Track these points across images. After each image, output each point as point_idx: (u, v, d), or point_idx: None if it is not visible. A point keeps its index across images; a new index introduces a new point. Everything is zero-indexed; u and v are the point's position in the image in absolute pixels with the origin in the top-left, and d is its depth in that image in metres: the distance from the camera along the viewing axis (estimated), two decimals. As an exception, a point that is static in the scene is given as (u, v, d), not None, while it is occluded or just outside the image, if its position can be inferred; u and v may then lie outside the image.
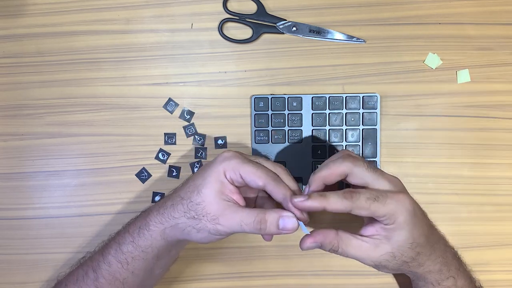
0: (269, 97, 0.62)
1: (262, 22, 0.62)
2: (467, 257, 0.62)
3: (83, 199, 0.63)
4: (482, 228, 0.63)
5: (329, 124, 0.62)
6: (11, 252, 0.64)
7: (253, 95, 0.62)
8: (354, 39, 0.62)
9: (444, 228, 0.61)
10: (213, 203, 0.50)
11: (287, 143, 0.62)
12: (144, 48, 0.63)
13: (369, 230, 0.50)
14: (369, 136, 0.62)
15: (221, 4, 0.63)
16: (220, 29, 0.62)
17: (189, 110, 0.63)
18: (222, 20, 0.62)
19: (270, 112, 0.62)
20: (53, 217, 0.63)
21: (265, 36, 0.63)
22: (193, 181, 0.52)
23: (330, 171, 0.50)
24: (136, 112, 0.63)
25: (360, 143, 0.62)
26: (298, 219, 0.49)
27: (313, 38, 0.62)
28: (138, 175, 0.63)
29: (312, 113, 0.62)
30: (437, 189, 0.63)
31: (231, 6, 0.63)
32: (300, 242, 0.50)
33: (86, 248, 0.63)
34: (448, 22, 0.63)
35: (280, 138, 0.62)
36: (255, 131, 0.62)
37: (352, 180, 0.50)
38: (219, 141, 0.63)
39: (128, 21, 0.63)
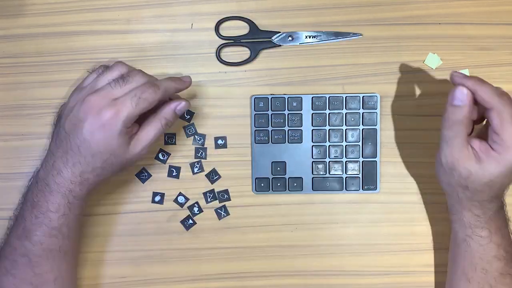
0: (269, 97, 0.62)
1: (258, 40, 0.62)
2: (467, 257, 0.62)
3: (83, 199, 0.63)
4: (482, 228, 0.63)
5: (329, 124, 0.62)
6: (11, 252, 0.63)
7: (253, 95, 0.62)
8: (351, 34, 0.62)
9: (444, 228, 0.61)
10: (130, 151, 0.54)
11: (287, 143, 0.62)
12: (144, 48, 0.63)
13: (474, 141, 0.52)
14: (369, 136, 0.62)
15: (221, 4, 0.63)
16: (218, 55, 0.62)
17: (189, 110, 0.63)
18: (219, 47, 0.62)
19: (270, 112, 0.62)
20: (53, 217, 0.63)
21: (264, 52, 0.63)
22: (100, 153, 0.52)
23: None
24: (136, 112, 0.63)
25: (360, 143, 0.62)
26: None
27: (311, 43, 0.62)
28: (138, 175, 0.63)
29: (312, 113, 0.62)
30: (437, 189, 0.63)
31: (223, 31, 0.63)
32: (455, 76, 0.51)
33: (85, 248, 0.63)
34: (448, 22, 0.62)
35: (280, 138, 0.62)
36: (255, 131, 0.62)
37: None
38: (219, 141, 0.63)
39: (128, 21, 0.63)
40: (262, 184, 0.63)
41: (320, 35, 0.62)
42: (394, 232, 0.63)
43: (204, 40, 0.63)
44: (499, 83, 0.62)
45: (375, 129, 0.62)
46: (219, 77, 0.63)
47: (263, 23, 0.63)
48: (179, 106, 0.55)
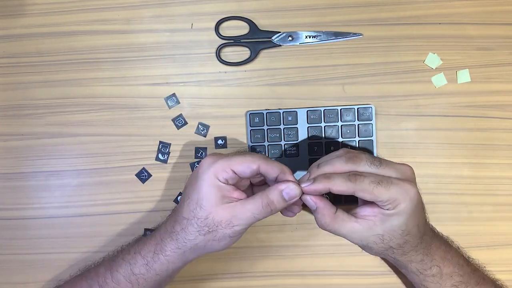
0: (264, 112, 0.62)
1: (258, 40, 0.62)
2: (467, 257, 0.62)
3: (83, 199, 0.63)
4: (482, 228, 0.63)
5: (325, 137, 0.62)
6: (11, 252, 0.64)
7: (248, 111, 0.62)
8: (351, 34, 0.62)
9: (444, 228, 0.61)
10: (219, 211, 0.49)
11: (284, 157, 0.62)
12: (144, 48, 0.63)
13: (365, 210, 0.50)
14: (365, 148, 0.62)
15: (221, 4, 0.63)
16: (218, 55, 0.62)
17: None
18: (219, 46, 0.62)
19: (265, 127, 0.62)
20: (53, 217, 0.63)
21: (264, 52, 0.63)
22: (189, 198, 0.51)
23: (333, 168, 0.50)
24: (136, 112, 0.63)
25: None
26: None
27: (311, 43, 0.62)
28: (138, 175, 0.63)
29: (308, 127, 0.62)
30: (437, 189, 0.63)
31: (223, 31, 0.63)
32: (303, 194, 0.50)
33: (86, 249, 0.63)
34: (448, 22, 0.62)
35: (277, 152, 0.62)
36: (251, 146, 0.62)
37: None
38: (219, 141, 0.63)
39: (128, 21, 0.63)
40: None
41: (320, 35, 0.62)
42: (394, 232, 0.63)
43: (204, 40, 0.63)
44: (499, 83, 0.62)
45: (371, 141, 0.62)
46: (219, 77, 0.63)
47: (263, 23, 0.63)
48: (287, 189, 0.49)
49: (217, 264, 0.63)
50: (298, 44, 0.62)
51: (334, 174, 0.49)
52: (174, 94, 0.63)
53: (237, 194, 0.51)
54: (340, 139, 0.62)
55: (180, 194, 0.63)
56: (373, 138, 0.62)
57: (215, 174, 0.49)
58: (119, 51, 0.63)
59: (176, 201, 0.63)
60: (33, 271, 0.63)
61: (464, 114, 0.63)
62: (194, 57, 0.63)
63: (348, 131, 0.62)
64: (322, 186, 0.49)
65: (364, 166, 0.49)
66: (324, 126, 0.62)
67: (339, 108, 0.62)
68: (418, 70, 0.63)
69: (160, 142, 0.63)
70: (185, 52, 0.63)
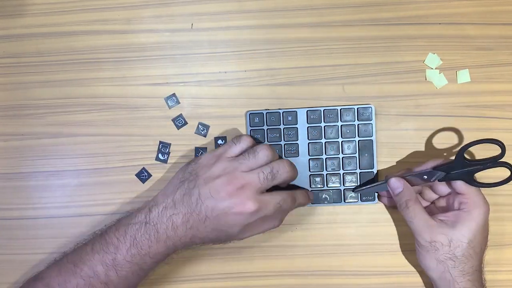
0: (264, 112, 0.62)
1: None
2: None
3: (83, 199, 0.63)
4: (482, 228, 0.63)
5: (325, 137, 0.62)
6: (11, 252, 0.64)
7: (248, 111, 0.62)
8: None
9: (444, 228, 0.60)
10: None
11: (284, 157, 0.62)
12: (144, 48, 0.63)
13: (439, 216, 0.56)
14: (365, 148, 0.62)
15: (222, 4, 0.63)
16: None
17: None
18: None
19: (265, 127, 0.62)
20: (53, 217, 0.63)
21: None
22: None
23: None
24: (136, 112, 0.63)
25: (357, 155, 0.62)
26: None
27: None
28: (138, 175, 0.63)
29: (308, 127, 0.62)
30: (437, 189, 0.63)
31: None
32: (389, 178, 0.58)
33: (86, 248, 0.63)
34: (448, 22, 0.63)
35: (277, 152, 0.62)
36: None
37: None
38: (219, 141, 0.63)
39: (128, 21, 0.63)
40: None
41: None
42: (394, 232, 0.63)
43: (204, 40, 0.63)
44: (499, 83, 0.62)
45: (371, 141, 0.62)
46: (219, 77, 0.63)
47: (264, 23, 0.63)
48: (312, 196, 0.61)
49: (217, 264, 0.63)
50: None
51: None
52: (174, 94, 0.63)
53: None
54: (340, 139, 0.62)
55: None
56: (373, 138, 0.62)
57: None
58: (119, 51, 0.63)
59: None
60: (33, 271, 0.63)
61: (464, 114, 0.63)
62: (194, 57, 0.63)
63: (348, 131, 0.62)
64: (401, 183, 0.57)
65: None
66: (324, 126, 0.62)
67: (339, 108, 0.62)
68: (418, 70, 0.63)
69: (160, 142, 0.63)
70: (185, 52, 0.63)
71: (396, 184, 0.57)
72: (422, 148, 0.63)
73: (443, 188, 0.58)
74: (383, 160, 0.63)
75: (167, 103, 0.63)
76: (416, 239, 0.56)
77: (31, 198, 0.63)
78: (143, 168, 0.63)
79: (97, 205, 0.63)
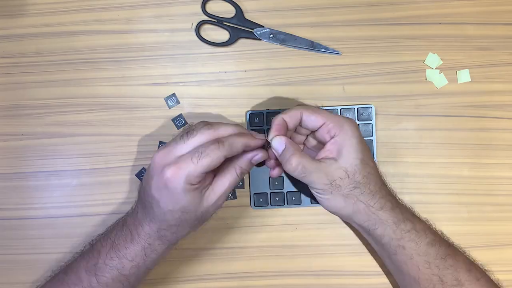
0: (264, 112, 0.62)
1: (240, 27, 0.62)
2: (467, 257, 0.62)
3: (83, 199, 0.63)
4: (482, 228, 0.63)
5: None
6: (11, 252, 0.64)
7: (248, 111, 0.62)
8: (331, 50, 0.62)
9: (444, 228, 0.61)
10: (204, 202, 0.51)
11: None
12: (144, 48, 0.63)
13: (321, 153, 0.53)
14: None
15: (222, 4, 0.63)
16: (198, 30, 0.62)
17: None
18: (199, 22, 0.62)
19: (265, 127, 0.62)
20: (53, 217, 0.63)
21: (242, 41, 0.63)
22: (170, 209, 0.50)
23: (286, 116, 0.53)
24: (136, 112, 0.63)
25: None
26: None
27: (287, 47, 0.62)
28: (138, 175, 0.63)
29: None
30: (437, 189, 0.63)
31: (210, 8, 0.63)
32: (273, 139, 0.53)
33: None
34: (448, 22, 0.62)
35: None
36: None
37: (304, 123, 0.54)
38: (219, 141, 0.63)
39: (128, 21, 0.63)
40: (261, 200, 0.62)
41: (299, 42, 0.62)
42: (394, 232, 0.63)
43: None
44: (499, 83, 0.62)
45: (371, 140, 0.62)
46: (219, 77, 0.63)
47: (265, 22, 0.63)
48: (256, 156, 0.53)
49: (217, 264, 0.64)
50: (277, 44, 0.62)
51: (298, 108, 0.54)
52: (174, 94, 0.63)
53: (209, 179, 0.52)
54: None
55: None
56: (373, 138, 0.62)
57: (189, 183, 0.49)
58: (119, 51, 0.63)
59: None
60: (33, 271, 0.63)
61: (464, 114, 0.63)
62: (194, 57, 0.63)
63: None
64: (278, 120, 0.53)
65: (309, 110, 0.53)
66: None
67: (339, 108, 0.62)
68: (418, 70, 0.63)
69: (160, 142, 0.63)
70: (185, 52, 0.63)
71: (278, 142, 0.52)
72: (422, 148, 0.63)
73: (309, 124, 0.54)
74: (383, 160, 0.63)
75: (167, 103, 0.63)
76: (315, 188, 0.53)
77: (31, 198, 0.63)
78: (143, 168, 0.63)
79: (97, 205, 0.63)
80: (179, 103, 0.63)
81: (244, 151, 0.52)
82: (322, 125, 0.53)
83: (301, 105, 0.59)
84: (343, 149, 0.51)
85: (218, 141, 0.50)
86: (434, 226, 0.57)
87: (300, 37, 0.62)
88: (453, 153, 0.63)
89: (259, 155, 0.53)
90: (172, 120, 0.63)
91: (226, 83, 0.63)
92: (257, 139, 0.52)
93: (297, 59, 0.63)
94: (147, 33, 0.63)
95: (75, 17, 0.63)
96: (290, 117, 0.53)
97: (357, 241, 0.63)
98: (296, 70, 0.63)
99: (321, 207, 0.63)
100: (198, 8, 0.63)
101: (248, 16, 0.63)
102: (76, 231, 0.63)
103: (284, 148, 0.52)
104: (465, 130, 0.63)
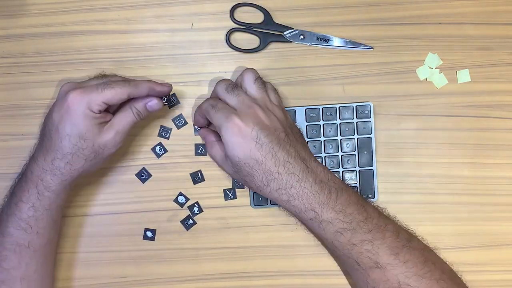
0: None
1: (269, 31, 0.62)
2: (467, 257, 0.62)
3: (83, 199, 0.63)
4: (482, 228, 0.63)
5: (323, 135, 0.62)
6: (11, 252, 0.63)
7: None
8: (362, 45, 0.62)
9: (444, 228, 0.61)
10: (103, 136, 0.54)
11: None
12: (144, 48, 0.63)
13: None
14: (364, 145, 0.62)
15: (222, 4, 0.63)
16: (228, 39, 0.62)
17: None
18: (229, 30, 0.62)
19: None
20: (53, 217, 0.63)
21: (273, 45, 0.63)
22: (67, 133, 0.53)
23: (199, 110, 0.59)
24: (136, 112, 0.63)
25: (356, 153, 0.62)
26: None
27: (321, 46, 0.62)
28: (138, 175, 0.63)
29: (307, 125, 0.62)
30: (437, 189, 0.63)
31: (238, 16, 0.63)
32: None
33: (86, 249, 0.63)
34: (448, 22, 0.62)
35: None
36: None
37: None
38: (219, 141, 0.63)
39: (128, 21, 0.63)
40: (260, 198, 0.62)
41: (332, 40, 0.62)
42: (394, 232, 0.63)
43: (204, 40, 0.63)
44: (499, 83, 0.62)
45: (370, 138, 0.62)
46: (219, 77, 0.63)
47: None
48: (150, 102, 0.57)
49: (217, 264, 0.64)
50: (308, 44, 0.62)
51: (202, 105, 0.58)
52: (174, 94, 0.63)
53: (109, 117, 0.55)
54: (339, 137, 0.62)
55: (180, 194, 0.63)
56: (372, 135, 0.62)
57: (89, 108, 0.53)
58: (119, 51, 0.63)
59: (176, 201, 0.63)
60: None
61: (464, 114, 0.63)
62: (194, 57, 0.63)
63: (347, 129, 0.62)
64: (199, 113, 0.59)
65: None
66: (323, 124, 0.62)
67: (337, 106, 0.62)
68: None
69: (161, 126, 0.63)
70: (185, 52, 0.63)
71: (199, 133, 0.61)
72: (422, 148, 0.63)
73: None
74: (383, 160, 0.63)
75: (168, 104, 0.63)
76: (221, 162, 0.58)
77: (31, 198, 0.63)
78: (143, 168, 0.63)
79: (97, 205, 0.63)
80: (179, 103, 0.63)
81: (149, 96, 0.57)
82: None
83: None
84: (225, 150, 0.54)
85: (125, 79, 0.57)
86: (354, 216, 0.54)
87: (331, 36, 0.63)
88: (453, 153, 0.63)
89: (153, 101, 0.57)
90: (172, 120, 0.63)
91: (226, 83, 0.63)
92: (162, 85, 0.58)
93: (297, 59, 0.63)
94: (147, 33, 0.63)
95: (75, 17, 0.63)
96: (198, 115, 0.59)
97: (357, 241, 0.63)
98: (296, 70, 0.63)
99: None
100: (198, 8, 0.63)
101: (277, 20, 0.63)
102: (76, 231, 0.63)
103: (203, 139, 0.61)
104: (465, 130, 0.63)
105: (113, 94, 0.53)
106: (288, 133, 0.55)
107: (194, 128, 0.63)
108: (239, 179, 0.56)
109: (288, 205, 0.54)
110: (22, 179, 0.55)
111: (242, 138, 0.52)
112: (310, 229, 0.57)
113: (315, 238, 0.63)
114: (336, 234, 0.53)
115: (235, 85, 0.56)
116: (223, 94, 0.56)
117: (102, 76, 0.58)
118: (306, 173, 0.53)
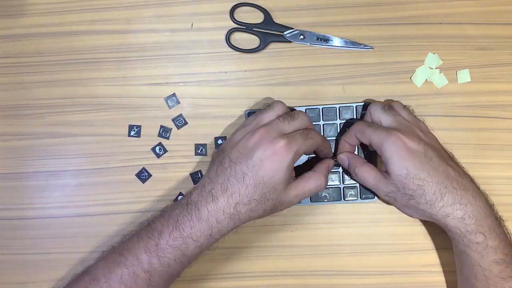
0: None
1: (269, 31, 0.62)
2: (467, 257, 0.62)
3: (83, 199, 0.63)
4: (482, 228, 0.63)
5: (324, 135, 0.62)
6: (11, 252, 0.64)
7: (247, 110, 0.62)
8: (361, 46, 0.62)
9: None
10: (288, 192, 0.54)
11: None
12: (144, 48, 0.63)
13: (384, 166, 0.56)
14: (365, 145, 0.62)
15: (222, 4, 0.63)
16: (228, 39, 0.62)
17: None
18: (229, 30, 0.62)
19: None
20: (53, 217, 0.63)
21: (273, 45, 0.63)
22: (263, 181, 0.51)
23: (346, 138, 0.59)
24: (136, 112, 0.63)
25: (356, 153, 0.62)
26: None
27: (321, 46, 0.62)
28: (138, 175, 0.63)
29: None
30: (437, 189, 0.63)
31: (238, 16, 0.63)
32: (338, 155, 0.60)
33: (86, 249, 0.63)
34: (448, 22, 0.63)
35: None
36: None
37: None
38: (219, 141, 0.63)
39: (128, 21, 0.63)
40: None
41: (332, 40, 0.62)
42: (394, 232, 0.63)
43: (204, 40, 0.63)
44: (499, 83, 0.62)
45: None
46: (219, 77, 0.63)
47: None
48: (331, 163, 0.58)
49: (217, 264, 0.63)
50: (308, 44, 0.62)
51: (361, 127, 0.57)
52: (174, 94, 0.63)
53: (293, 173, 0.55)
54: (339, 137, 0.62)
55: (180, 194, 0.63)
56: None
57: (294, 160, 0.52)
58: (119, 51, 0.63)
59: (176, 201, 0.63)
60: (33, 271, 0.63)
61: (464, 114, 0.63)
62: (194, 57, 0.63)
63: (347, 129, 0.62)
64: (341, 142, 0.59)
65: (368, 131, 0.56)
66: (323, 124, 0.62)
67: (337, 106, 0.62)
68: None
69: (161, 126, 0.63)
70: (185, 52, 0.63)
71: (342, 158, 0.59)
72: (422, 148, 0.63)
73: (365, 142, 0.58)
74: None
75: (167, 103, 0.63)
76: (384, 192, 0.56)
77: (31, 198, 0.63)
78: (143, 168, 0.63)
79: (97, 205, 0.63)
80: (179, 103, 0.63)
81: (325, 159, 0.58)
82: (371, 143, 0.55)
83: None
84: (388, 167, 0.54)
85: (315, 129, 0.56)
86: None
87: (331, 36, 0.63)
88: (453, 153, 0.63)
89: (332, 163, 0.58)
90: (172, 120, 0.63)
91: (226, 83, 0.63)
92: (327, 143, 0.58)
93: (297, 59, 0.63)
94: (148, 33, 0.63)
95: (75, 17, 0.63)
96: (348, 138, 0.58)
97: (357, 241, 0.63)
98: (296, 70, 0.63)
99: (321, 207, 0.63)
100: (198, 8, 0.63)
101: (277, 20, 0.63)
102: (76, 231, 0.63)
103: (348, 163, 0.58)
104: (465, 130, 0.63)
105: (312, 145, 0.54)
106: (446, 153, 0.56)
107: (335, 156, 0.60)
108: (399, 198, 0.54)
109: (460, 223, 0.52)
110: (193, 214, 0.52)
111: (409, 151, 0.52)
112: (461, 252, 0.54)
113: (315, 238, 0.63)
114: (491, 264, 0.52)
115: (391, 106, 0.57)
116: (379, 113, 0.56)
117: (291, 116, 0.54)
118: (478, 192, 0.53)
